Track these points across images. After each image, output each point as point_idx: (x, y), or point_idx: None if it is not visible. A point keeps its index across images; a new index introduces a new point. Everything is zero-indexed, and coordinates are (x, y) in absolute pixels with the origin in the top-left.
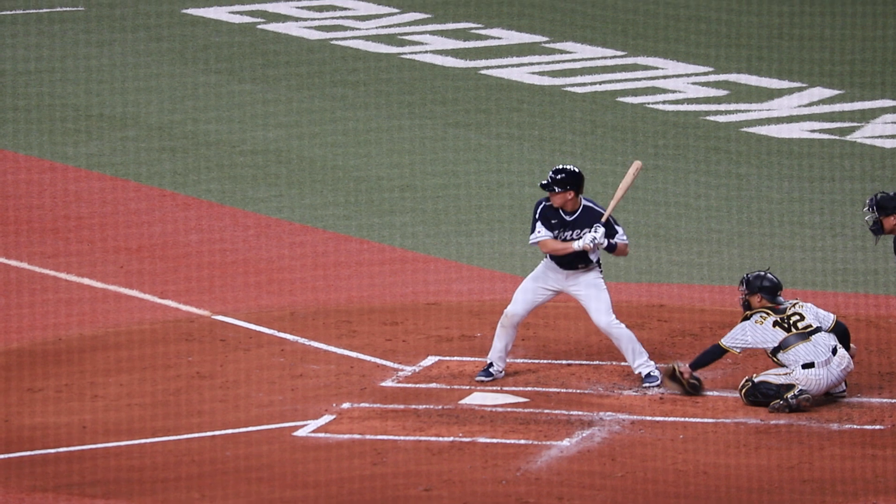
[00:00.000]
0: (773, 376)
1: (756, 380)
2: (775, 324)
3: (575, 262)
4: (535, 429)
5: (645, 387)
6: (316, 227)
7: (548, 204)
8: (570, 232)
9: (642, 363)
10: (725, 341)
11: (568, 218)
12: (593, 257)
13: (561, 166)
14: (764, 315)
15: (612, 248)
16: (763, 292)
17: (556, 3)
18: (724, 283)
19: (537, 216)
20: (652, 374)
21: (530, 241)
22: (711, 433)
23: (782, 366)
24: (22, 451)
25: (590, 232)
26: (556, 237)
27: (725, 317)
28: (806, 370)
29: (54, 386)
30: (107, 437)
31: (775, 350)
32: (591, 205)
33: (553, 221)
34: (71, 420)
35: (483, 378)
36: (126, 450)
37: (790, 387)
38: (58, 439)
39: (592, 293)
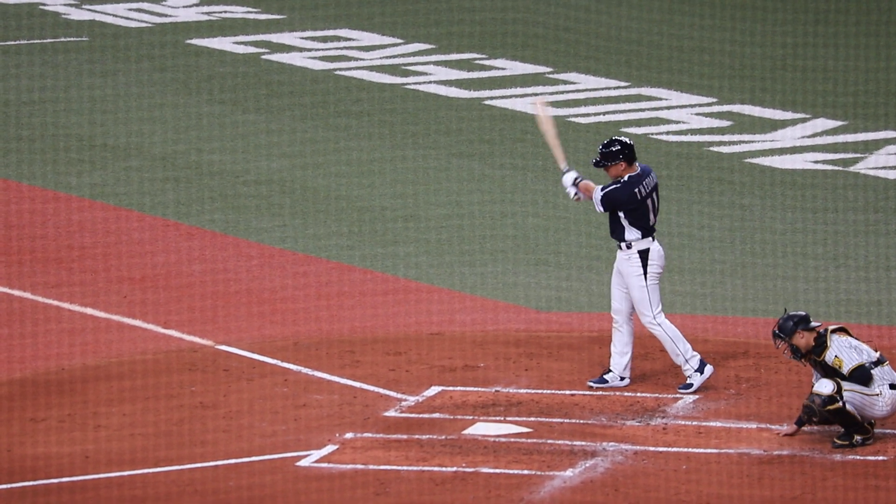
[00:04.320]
0: (859, 401)
1: (848, 408)
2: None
3: (611, 231)
4: (538, 459)
5: (680, 391)
6: (319, 257)
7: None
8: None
9: (687, 368)
10: (853, 362)
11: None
12: (630, 236)
13: (609, 139)
14: (841, 332)
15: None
16: (800, 326)
17: (560, 34)
18: (727, 313)
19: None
20: (690, 381)
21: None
22: (714, 464)
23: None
24: (24, 481)
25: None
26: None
27: (728, 347)
28: (893, 391)
29: (57, 416)
30: (109, 468)
31: (874, 363)
32: (648, 168)
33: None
34: (73, 450)
35: (592, 383)
36: (129, 480)
37: (865, 428)
38: (60, 469)
39: (631, 286)
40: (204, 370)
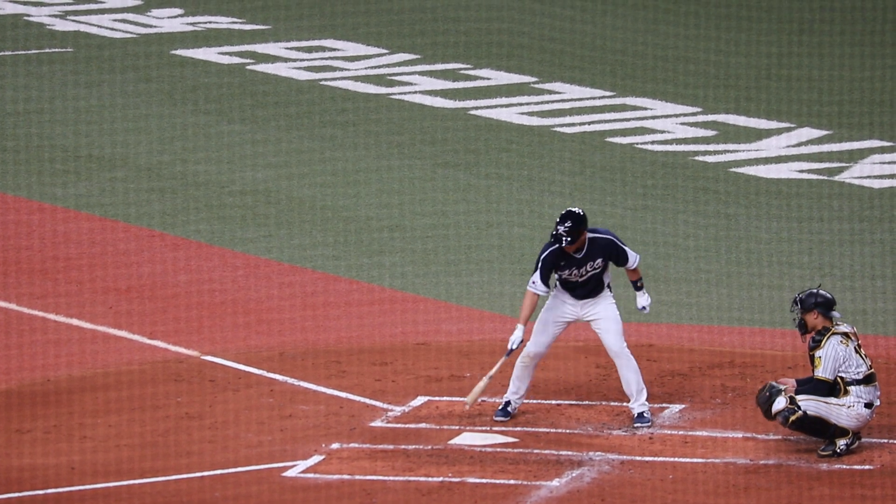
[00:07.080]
0: (824, 410)
1: (810, 413)
2: (856, 350)
3: (591, 292)
4: (524, 469)
5: (635, 426)
6: (305, 268)
7: (553, 249)
8: (584, 267)
9: (640, 402)
10: (824, 374)
11: (577, 255)
12: (606, 280)
13: (564, 215)
14: (845, 339)
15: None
16: (819, 308)
17: (544, 44)
18: (712, 322)
19: (539, 264)
20: (645, 415)
21: (528, 287)
22: (701, 473)
23: (837, 396)
24: (10, 492)
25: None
26: (569, 276)
27: (714, 357)
28: (867, 409)
29: (42, 427)
30: (95, 479)
31: (854, 381)
32: (594, 235)
33: (562, 263)
34: (59, 461)
35: (502, 418)
36: (115, 491)
37: (844, 431)
38: (46, 481)
39: (608, 318)
40: (190, 381)
